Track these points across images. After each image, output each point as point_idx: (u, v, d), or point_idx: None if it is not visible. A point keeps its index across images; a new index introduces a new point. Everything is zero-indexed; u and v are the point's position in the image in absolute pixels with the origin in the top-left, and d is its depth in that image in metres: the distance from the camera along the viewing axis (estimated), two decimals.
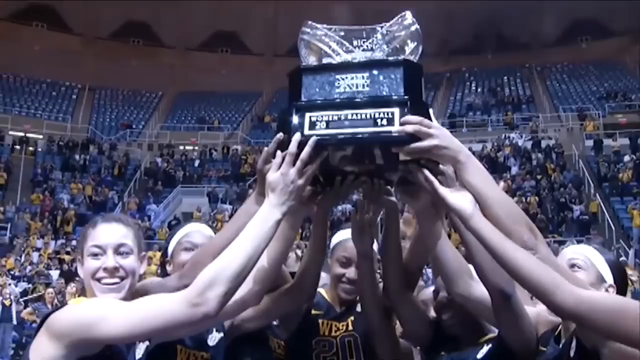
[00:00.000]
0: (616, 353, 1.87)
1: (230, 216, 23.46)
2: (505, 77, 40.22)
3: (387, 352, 2.55)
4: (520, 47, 41.85)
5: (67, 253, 20.77)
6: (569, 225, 22.09)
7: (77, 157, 30.48)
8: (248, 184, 28.05)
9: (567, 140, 29.34)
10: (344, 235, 2.59)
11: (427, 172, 1.88)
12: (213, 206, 26.69)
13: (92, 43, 41.26)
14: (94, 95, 40.64)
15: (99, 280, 1.96)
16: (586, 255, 2.22)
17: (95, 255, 1.97)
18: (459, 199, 1.87)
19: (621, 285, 2.21)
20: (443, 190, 1.88)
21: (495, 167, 26.32)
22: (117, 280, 1.96)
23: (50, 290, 13.84)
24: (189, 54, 43.94)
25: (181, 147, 34.19)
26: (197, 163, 31.96)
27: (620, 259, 15.99)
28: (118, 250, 1.98)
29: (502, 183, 2.49)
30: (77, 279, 16.84)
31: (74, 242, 22.31)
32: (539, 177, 25.58)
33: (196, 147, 34.55)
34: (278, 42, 43.82)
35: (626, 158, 25.89)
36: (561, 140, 29.12)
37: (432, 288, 2.72)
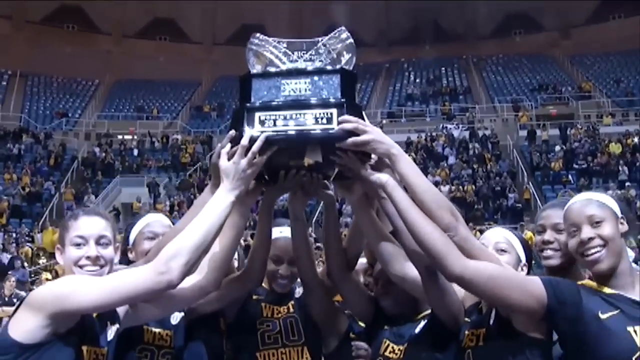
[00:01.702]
0: (522, 318, 2.21)
1: (171, 206, 23.31)
2: (443, 68, 41.09)
3: (319, 309, 2.79)
4: (457, 39, 42.85)
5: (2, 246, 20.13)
6: (503, 212, 22.92)
7: (9, 146, 29.49)
8: (188, 173, 27.81)
9: (502, 130, 30.33)
10: (275, 233, 2.76)
11: (350, 156, 2.20)
12: (153, 196, 26.31)
13: (22, 27, 39.89)
14: (26, 82, 39.32)
15: (81, 267, 2.19)
16: (507, 239, 2.54)
17: (78, 245, 2.20)
18: (375, 175, 2.22)
19: (529, 258, 2.57)
20: (362, 171, 2.23)
21: (432, 157, 26.99)
22: (97, 268, 2.20)
23: None
24: (126, 41, 43.02)
25: (119, 137, 33.47)
26: (136, 152, 31.35)
27: None
28: (99, 241, 2.22)
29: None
30: (10, 273, 16.43)
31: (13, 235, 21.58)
32: (475, 166, 26.39)
33: (135, 137, 33.88)
34: (217, 31, 43.45)
35: (557, 148, 27.04)
36: (497, 131, 30.05)
37: (363, 259, 3.05)
